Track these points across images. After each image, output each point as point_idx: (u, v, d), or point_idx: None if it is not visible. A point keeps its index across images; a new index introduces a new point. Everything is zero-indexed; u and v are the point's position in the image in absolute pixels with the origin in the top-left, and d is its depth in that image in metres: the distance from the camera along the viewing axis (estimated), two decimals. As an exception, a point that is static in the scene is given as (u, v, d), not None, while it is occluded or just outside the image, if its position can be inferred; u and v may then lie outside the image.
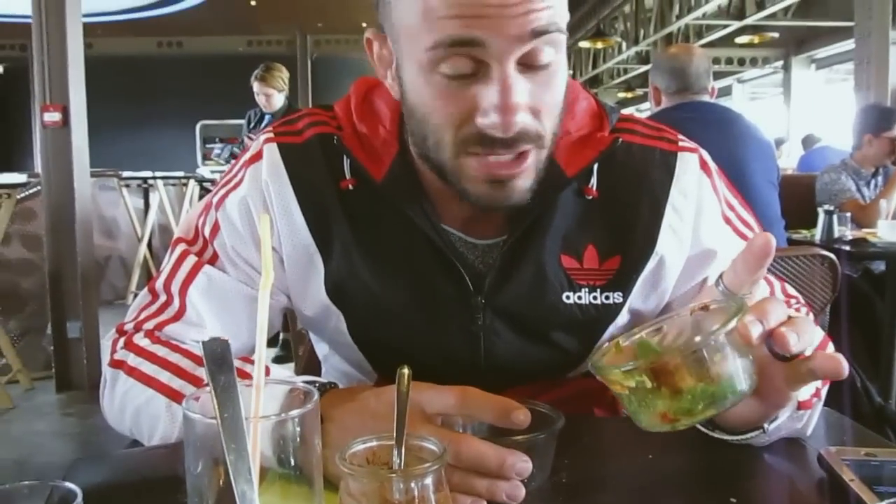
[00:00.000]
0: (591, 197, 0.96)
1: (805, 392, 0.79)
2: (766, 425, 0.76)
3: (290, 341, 3.75)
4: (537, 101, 0.82)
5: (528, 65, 0.80)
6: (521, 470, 0.66)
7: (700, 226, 0.98)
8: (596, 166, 0.95)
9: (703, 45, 10.66)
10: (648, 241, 0.96)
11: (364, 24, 13.24)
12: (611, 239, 0.96)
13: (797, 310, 0.99)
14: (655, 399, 0.62)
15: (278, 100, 4.84)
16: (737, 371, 0.63)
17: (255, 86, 4.82)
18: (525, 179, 0.85)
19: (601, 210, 0.96)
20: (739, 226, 1.02)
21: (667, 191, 0.96)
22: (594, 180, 0.96)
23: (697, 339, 0.62)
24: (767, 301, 0.67)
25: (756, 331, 0.63)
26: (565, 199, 0.95)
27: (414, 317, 0.95)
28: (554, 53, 0.81)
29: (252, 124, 5.11)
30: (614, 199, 0.96)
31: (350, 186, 0.94)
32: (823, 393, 0.87)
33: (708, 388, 0.61)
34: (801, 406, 0.79)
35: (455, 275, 0.93)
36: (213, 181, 6.29)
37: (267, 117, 4.91)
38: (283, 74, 4.85)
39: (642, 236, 0.96)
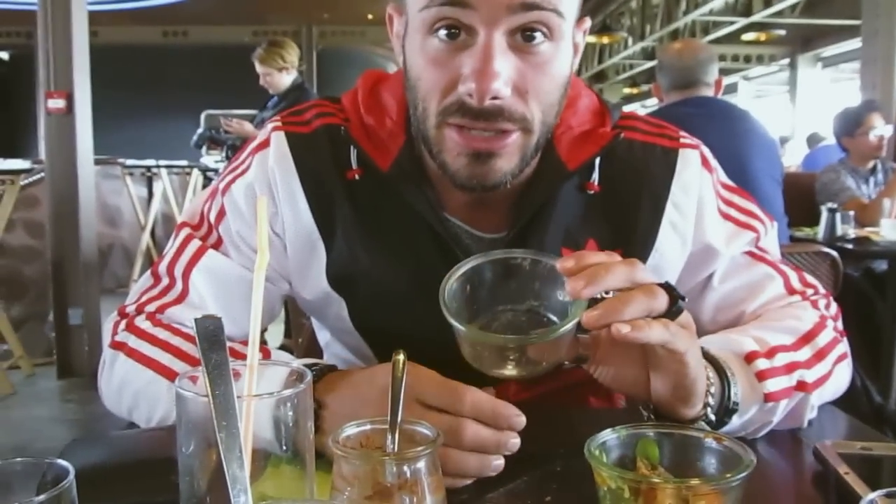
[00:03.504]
0: (592, 192, 0.97)
1: (773, 385, 0.81)
2: (708, 413, 0.76)
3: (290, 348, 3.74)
4: (524, 81, 0.83)
5: (519, 42, 0.81)
6: (515, 424, 0.69)
7: (702, 223, 0.99)
8: (598, 162, 0.96)
9: (709, 42, 10.66)
10: (649, 237, 0.97)
11: (370, 16, 13.28)
12: (612, 233, 0.97)
13: (814, 303, 0.99)
14: None
15: (281, 79, 4.32)
16: None
17: (256, 66, 4.34)
18: (506, 161, 0.86)
19: (602, 205, 0.97)
20: (741, 217, 1.02)
21: (668, 187, 0.97)
22: (596, 175, 0.96)
23: (694, 481, 0.59)
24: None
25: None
26: (567, 194, 0.96)
27: (414, 304, 0.95)
28: (548, 37, 0.82)
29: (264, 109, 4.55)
30: (616, 194, 0.97)
31: (356, 177, 0.95)
32: (811, 384, 0.85)
33: None
34: (768, 398, 0.81)
35: (456, 263, 0.93)
36: (216, 171, 6.25)
37: (273, 98, 4.37)
38: (284, 51, 4.31)
39: (643, 231, 0.97)
